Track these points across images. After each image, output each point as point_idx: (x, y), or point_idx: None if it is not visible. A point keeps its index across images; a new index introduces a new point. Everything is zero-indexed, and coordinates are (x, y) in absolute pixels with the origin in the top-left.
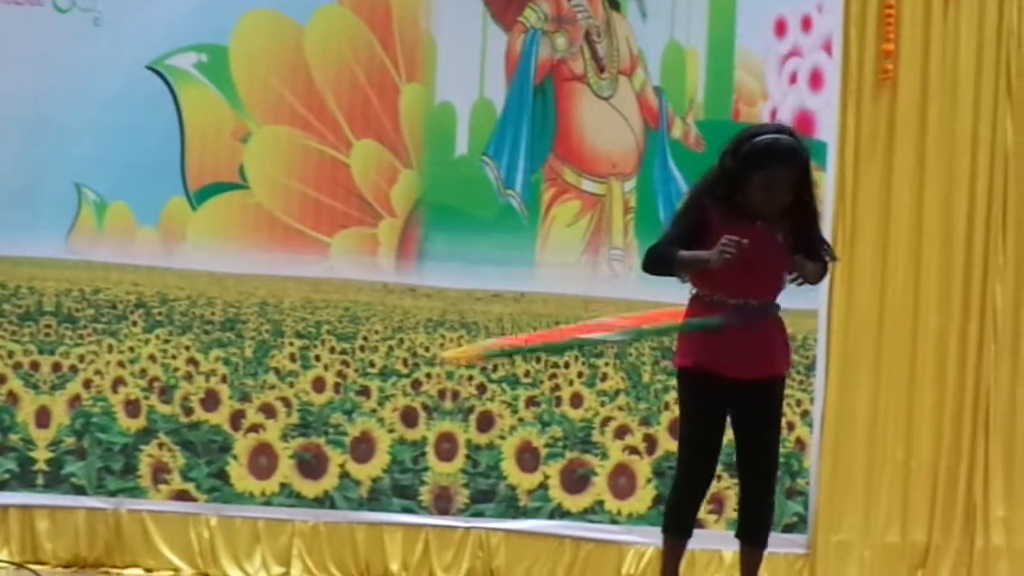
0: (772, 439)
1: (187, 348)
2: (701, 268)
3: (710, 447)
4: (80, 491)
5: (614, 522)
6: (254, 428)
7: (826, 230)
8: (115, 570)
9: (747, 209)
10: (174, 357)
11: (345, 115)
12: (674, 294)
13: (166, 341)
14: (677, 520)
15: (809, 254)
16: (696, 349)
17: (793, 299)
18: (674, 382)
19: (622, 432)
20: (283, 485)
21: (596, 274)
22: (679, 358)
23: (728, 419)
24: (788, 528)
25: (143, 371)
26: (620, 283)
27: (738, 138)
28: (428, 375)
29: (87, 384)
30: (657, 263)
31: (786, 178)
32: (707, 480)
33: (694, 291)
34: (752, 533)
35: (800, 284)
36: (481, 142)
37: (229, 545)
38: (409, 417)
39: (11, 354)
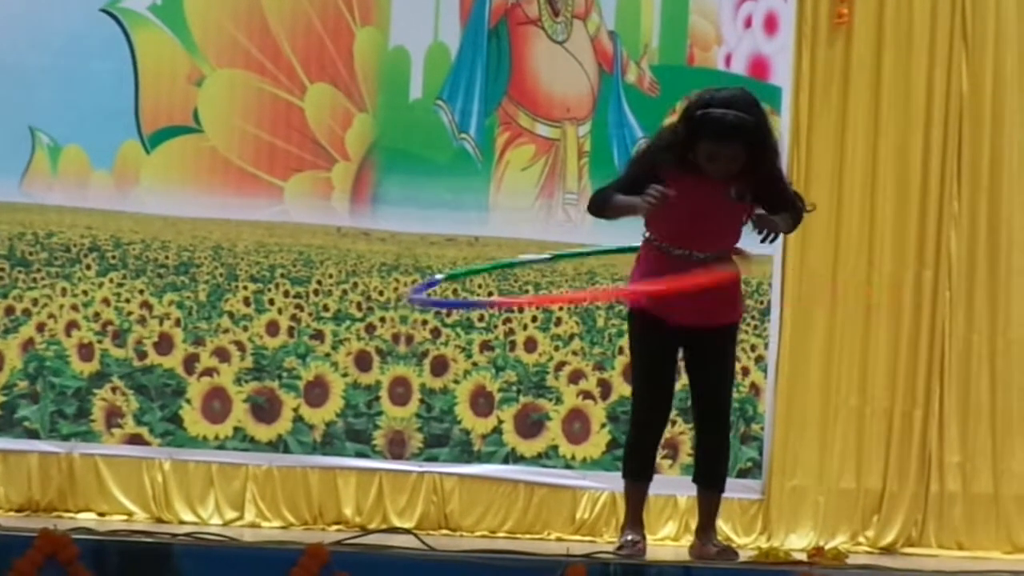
0: (723, 384)
1: (141, 292)
2: (631, 213)
3: (661, 389)
4: (33, 435)
5: (568, 467)
6: (208, 372)
7: None
8: (68, 514)
9: (700, 167)
10: (128, 301)
11: (299, 59)
12: (628, 238)
13: (120, 285)
14: (635, 464)
15: (774, 209)
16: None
17: (747, 245)
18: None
19: (576, 377)
20: (237, 429)
21: (550, 218)
22: (629, 303)
23: (682, 364)
24: (743, 473)
25: (96, 315)
26: (574, 227)
27: (694, 101)
28: (382, 319)
29: (40, 328)
30: (598, 206)
31: (730, 152)
32: (661, 422)
33: (646, 235)
34: (708, 477)
35: (772, 239)
36: (435, 86)
37: (182, 489)
38: (363, 361)
39: None
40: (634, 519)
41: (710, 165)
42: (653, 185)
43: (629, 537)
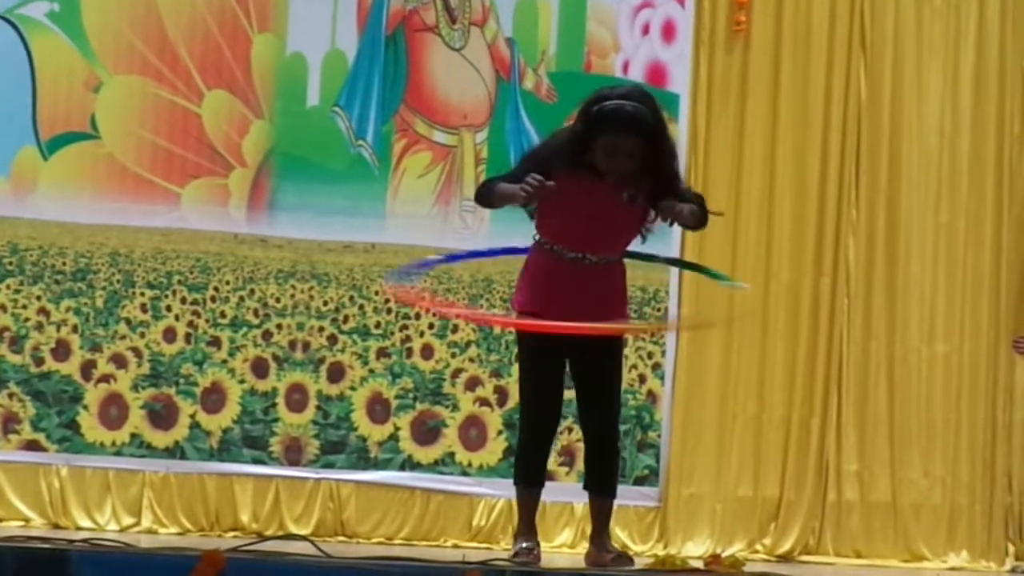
0: (610, 389)
1: (38, 298)
2: (511, 202)
3: (550, 396)
4: None
5: (465, 474)
6: (105, 378)
7: None
8: None
9: (596, 168)
10: (24, 307)
11: (197, 65)
12: (521, 241)
13: (16, 291)
14: (527, 470)
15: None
16: (531, 299)
17: (641, 250)
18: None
19: (473, 384)
20: (133, 435)
21: (447, 225)
22: (516, 307)
23: (569, 371)
24: (639, 481)
25: None
26: (471, 234)
27: (590, 98)
28: (279, 326)
29: None
30: (484, 194)
31: (628, 146)
32: (551, 428)
33: (537, 237)
34: (598, 484)
35: (680, 225)
36: (332, 93)
37: (79, 495)
38: (260, 368)
39: None
40: (528, 526)
41: (608, 161)
42: (532, 174)
43: (524, 544)
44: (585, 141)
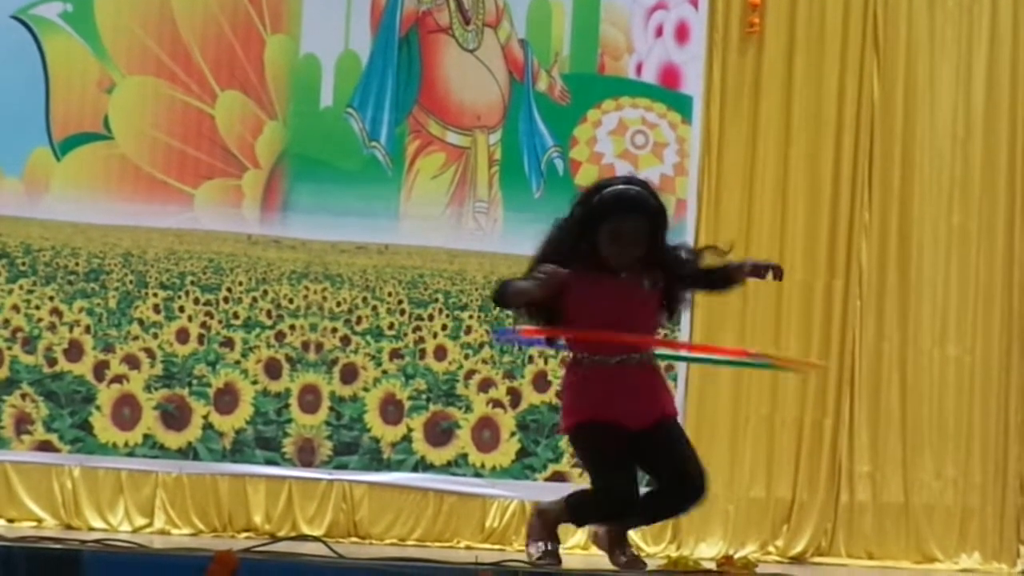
0: (690, 449)
1: (51, 298)
2: (526, 297)
3: (628, 479)
4: None
5: (478, 475)
6: (117, 379)
7: (692, 186)
8: None
9: (605, 262)
10: (37, 307)
11: (210, 66)
12: (532, 247)
13: (29, 291)
14: (587, 520)
15: (695, 279)
16: (586, 406)
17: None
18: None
19: (486, 385)
20: (146, 436)
21: (460, 226)
22: (570, 417)
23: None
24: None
25: (6, 321)
26: (484, 235)
27: (587, 190)
28: (292, 327)
29: None
30: (501, 293)
31: (634, 228)
32: (634, 496)
33: (571, 355)
34: (651, 514)
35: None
36: (346, 94)
37: (92, 496)
38: (272, 369)
39: None
40: (554, 532)
41: (614, 247)
42: (542, 266)
43: (549, 547)
44: (589, 231)
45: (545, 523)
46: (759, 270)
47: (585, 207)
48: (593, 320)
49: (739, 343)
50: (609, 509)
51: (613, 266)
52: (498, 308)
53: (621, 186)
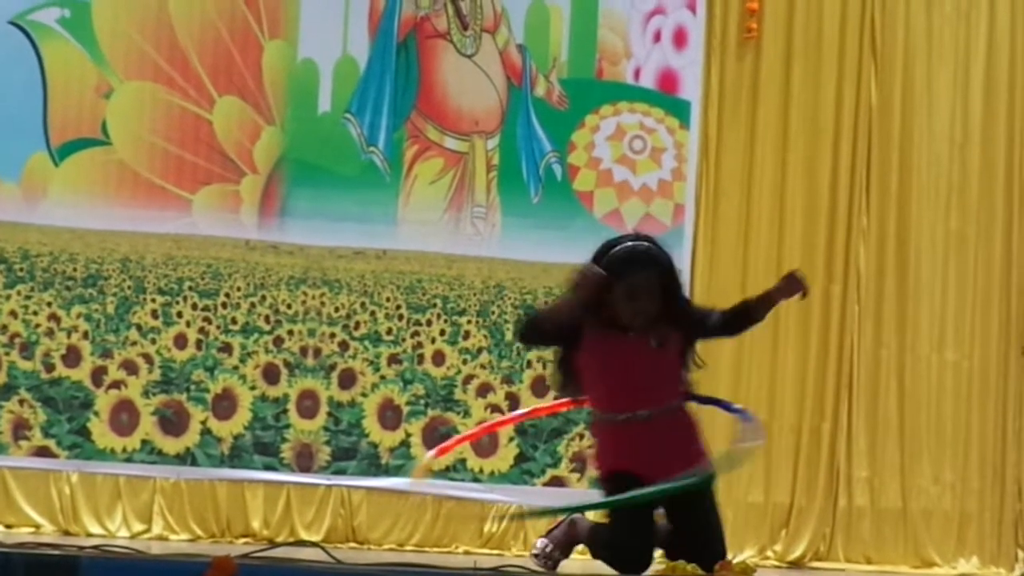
0: (716, 526)
1: (48, 304)
2: (567, 310)
3: (643, 548)
4: None
5: (476, 480)
6: (115, 384)
7: (690, 190)
8: None
9: (618, 322)
10: (35, 313)
11: (208, 72)
12: (530, 252)
13: (27, 297)
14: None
15: (704, 331)
16: (610, 457)
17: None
18: None
19: (484, 390)
20: (144, 442)
21: (458, 231)
22: (598, 464)
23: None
24: None
25: (4, 327)
26: (482, 241)
27: (597, 252)
28: (290, 332)
29: None
30: (531, 326)
31: (647, 284)
32: (648, 556)
33: (593, 416)
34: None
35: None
36: (344, 99)
37: (90, 502)
38: (271, 374)
39: None
40: (569, 546)
41: (630, 305)
42: (584, 268)
43: (557, 554)
44: (602, 293)
45: (569, 535)
46: (790, 290)
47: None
48: (608, 385)
49: (737, 347)
50: (616, 567)
51: (627, 325)
52: (524, 343)
53: (630, 243)
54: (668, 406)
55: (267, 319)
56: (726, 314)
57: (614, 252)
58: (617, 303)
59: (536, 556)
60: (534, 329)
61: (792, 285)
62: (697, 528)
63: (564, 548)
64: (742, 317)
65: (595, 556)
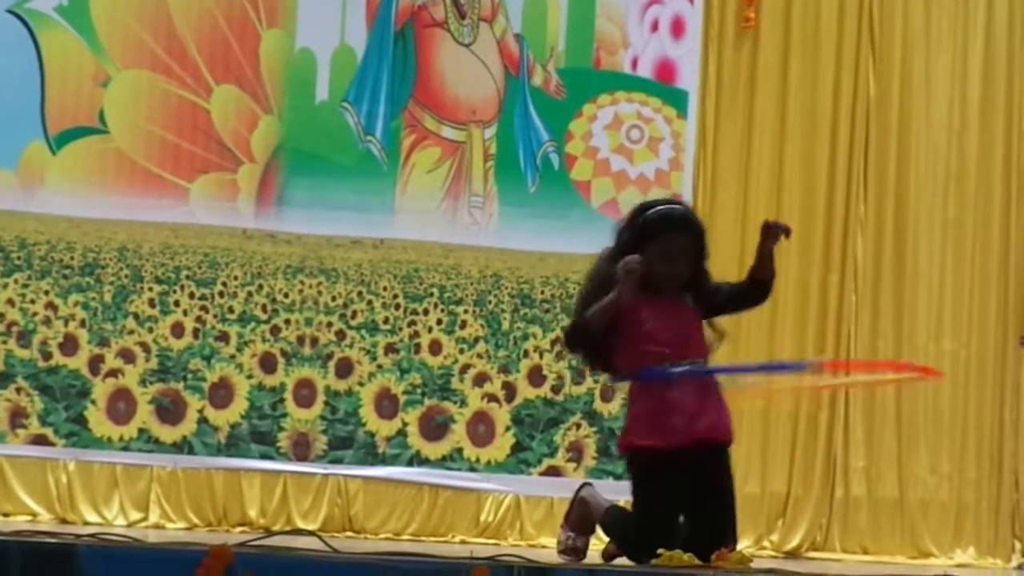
0: (729, 506)
1: (46, 292)
2: (614, 307)
3: (668, 523)
4: None
5: (473, 469)
6: (112, 373)
7: (687, 180)
8: None
9: (650, 282)
10: (32, 301)
11: (205, 60)
12: (527, 241)
13: (24, 285)
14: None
15: (733, 304)
16: (656, 423)
17: None
18: (533, 329)
19: (481, 379)
20: (141, 430)
21: (456, 221)
22: (627, 446)
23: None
24: None
25: (1, 315)
26: (480, 230)
27: (631, 213)
28: (287, 321)
29: None
30: (578, 329)
31: (684, 245)
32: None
33: (628, 377)
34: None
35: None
36: (341, 88)
37: (87, 490)
38: (268, 363)
39: None
40: (589, 526)
41: (665, 266)
42: (624, 259)
43: (578, 543)
44: (640, 251)
45: (584, 515)
46: (774, 236)
47: (632, 228)
48: (646, 346)
49: (734, 336)
50: (630, 553)
51: (658, 285)
52: (572, 351)
53: (663, 207)
54: (701, 361)
55: (264, 308)
56: (737, 285)
57: (651, 212)
58: (653, 263)
59: (564, 552)
60: (585, 333)
61: (772, 231)
62: (713, 510)
63: (584, 529)
64: (756, 282)
65: (610, 537)
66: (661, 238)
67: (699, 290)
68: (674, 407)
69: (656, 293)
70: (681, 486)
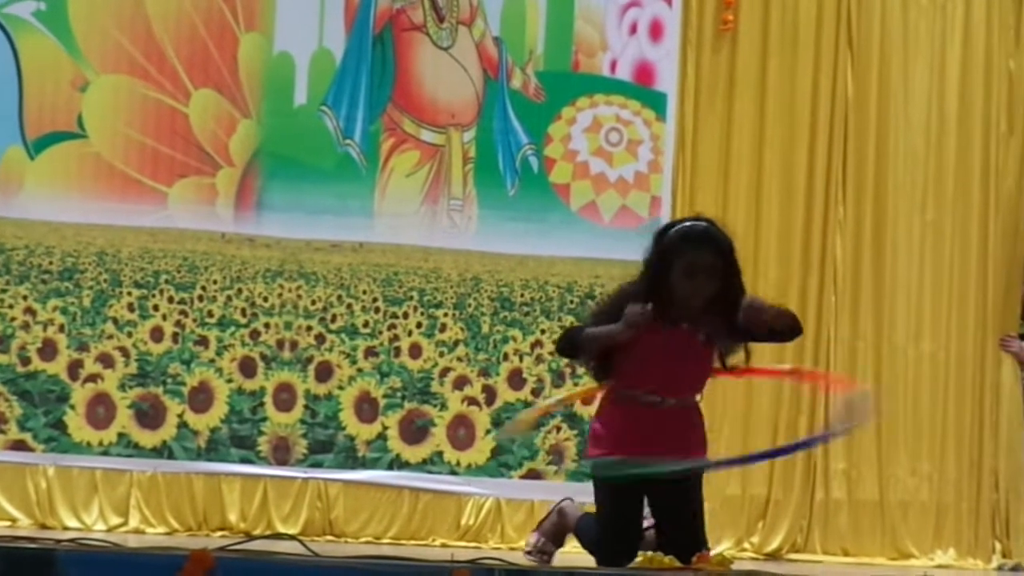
0: (696, 521)
1: (24, 297)
2: (609, 342)
3: (628, 538)
4: None
5: (453, 473)
6: (92, 378)
7: (666, 183)
8: None
9: (671, 309)
10: (11, 307)
11: (184, 64)
12: (507, 244)
13: (3, 291)
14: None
15: (763, 335)
16: (623, 436)
17: (629, 251)
18: (513, 332)
19: (461, 383)
20: (121, 435)
21: (435, 224)
22: (595, 448)
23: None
24: None
25: None
26: (459, 233)
27: (656, 232)
28: (267, 325)
29: None
30: (571, 341)
31: (708, 263)
32: (630, 560)
33: (616, 393)
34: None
35: (772, 339)
36: (320, 92)
37: (66, 495)
38: (247, 367)
39: None
40: (561, 536)
41: (688, 282)
42: (631, 306)
43: (551, 547)
44: (662, 270)
45: (559, 526)
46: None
47: (656, 248)
48: (645, 370)
49: None
50: (599, 560)
51: (682, 309)
52: (563, 356)
53: (688, 224)
54: (689, 400)
55: (243, 312)
56: (768, 320)
57: (672, 232)
58: (675, 282)
59: (530, 553)
60: (576, 347)
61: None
62: (681, 519)
63: (556, 539)
64: (776, 334)
65: (581, 545)
66: (685, 256)
67: (730, 309)
68: (643, 432)
69: (674, 323)
70: (644, 494)
